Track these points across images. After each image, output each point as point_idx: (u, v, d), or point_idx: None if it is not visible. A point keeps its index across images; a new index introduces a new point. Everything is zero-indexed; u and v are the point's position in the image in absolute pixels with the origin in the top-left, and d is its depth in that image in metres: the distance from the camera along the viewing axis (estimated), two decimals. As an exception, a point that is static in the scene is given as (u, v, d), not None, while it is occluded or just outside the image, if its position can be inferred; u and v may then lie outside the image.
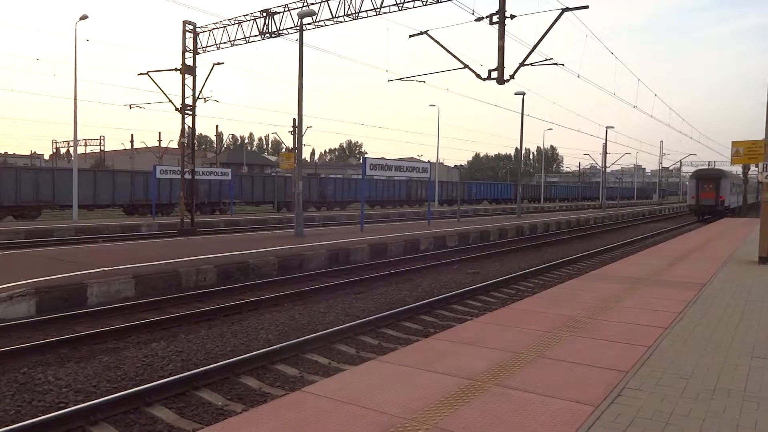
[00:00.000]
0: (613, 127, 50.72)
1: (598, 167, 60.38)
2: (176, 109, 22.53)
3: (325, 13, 19.43)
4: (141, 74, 23.00)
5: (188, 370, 6.33)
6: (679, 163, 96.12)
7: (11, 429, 4.68)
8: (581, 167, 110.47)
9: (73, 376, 6.30)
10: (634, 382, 4.73)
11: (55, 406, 5.48)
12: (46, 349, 7.14)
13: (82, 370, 6.53)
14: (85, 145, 68.08)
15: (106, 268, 11.13)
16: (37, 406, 5.51)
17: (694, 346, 5.86)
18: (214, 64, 22.65)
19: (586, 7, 16.92)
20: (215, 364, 6.41)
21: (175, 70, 22.38)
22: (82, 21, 28.67)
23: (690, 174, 45.54)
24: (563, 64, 20.61)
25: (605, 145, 51.58)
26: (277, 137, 65.25)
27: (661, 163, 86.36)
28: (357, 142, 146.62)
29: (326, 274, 13.44)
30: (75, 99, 28.28)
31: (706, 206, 37.59)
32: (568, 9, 17.19)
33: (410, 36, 19.64)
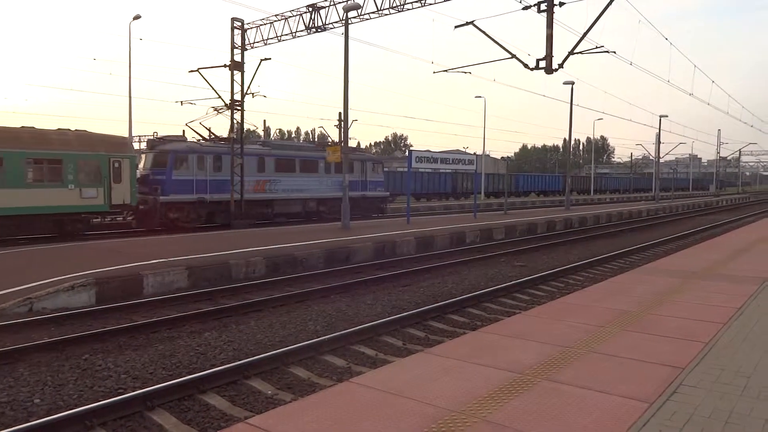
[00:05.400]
0: (667, 116, 49.03)
1: (651, 157, 58.52)
2: (225, 104, 23.01)
3: (370, 6, 19.47)
4: (191, 71, 23.58)
5: (239, 360, 6.49)
6: (738, 153, 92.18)
7: (75, 412, 4.91)
8: (633, 158, 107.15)
9: (131, 363, 6.55)
10: (691, 378, 4.57)
11: (114, 392, 5.71)
12: (106, 336, 7.45)
13: (139, 357, 6.78)
14: (139, 141, 70.49)
15: (161, 260, 11.51)
16: (97, 391, 5.76)
17: (755, 342, 5.62)
18: (262, 60, 23.03)
19: (639, -9, 16.35)
20: (265, 354, 6.55)
21: (224, 66, 22.87)
22: (135, 21, 29.61)
23: None
24: (614, 52, 20.04)
25: (659, 135, 49.91)
26: (323, 131, 65.88)
27: (718, 152, 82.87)
28: (402, 134, 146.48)
29: (372, 266, 13.51)
30: (130, 96, 29.32)
31: None
32: (619, -6, 16.66)
33: (456, 27, 19.45)
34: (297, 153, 26.08)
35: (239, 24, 22.83)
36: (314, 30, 21.22)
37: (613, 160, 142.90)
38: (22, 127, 18.25)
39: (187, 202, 21.77)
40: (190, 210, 21.94)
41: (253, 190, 23.81)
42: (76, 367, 6.42)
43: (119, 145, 20.14)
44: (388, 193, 31.93)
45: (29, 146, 17.64)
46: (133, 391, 5.57)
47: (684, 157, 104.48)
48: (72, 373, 6.23)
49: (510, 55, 18.45)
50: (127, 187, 19.71)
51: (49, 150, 18.06)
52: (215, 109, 24.26)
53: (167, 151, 21.73)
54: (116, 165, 19.44)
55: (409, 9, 19.07)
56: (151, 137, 23.35)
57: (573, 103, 34.02)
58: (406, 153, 28.83)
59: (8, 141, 17.28)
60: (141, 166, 21.82)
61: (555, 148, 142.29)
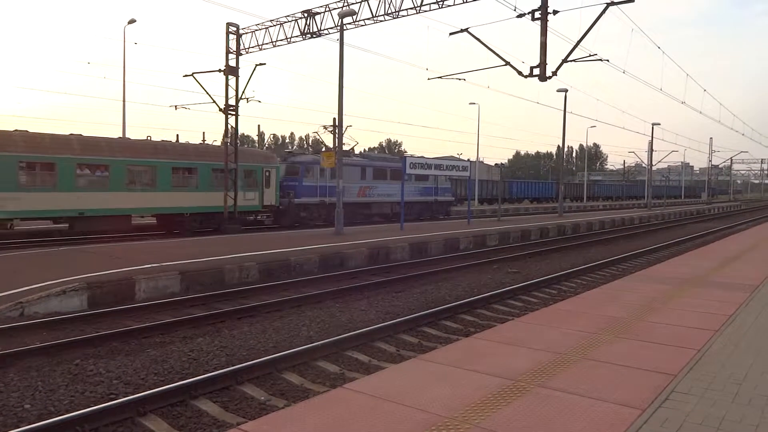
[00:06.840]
0: (659, 124, 49.36)
1: (644, 165, 58.78)
2: (220, 109, 22.99)
3: (365, 13, 19.55)
4: (186, 76, 23.59)
5: (232, 365, 6.46)
6: (729, 161, 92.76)
7: (65, 418, 4.87)
8: (626, 165, 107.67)
9: (122, 369, 6.51)
10: (683, 385, 4.59)
11: (105, 397, 5.67)
12: (98, 341, 7.41)
13: (131, 362, 6.74)
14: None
15: (154, 265, 11.46)
16: (89, 396, 5.72)
17: (746, 349, 5.65)
18: (257, 65, 23.05)
19: (632, 0, 16.50)
20: (258, 360, 6.52)
21: (219, 71, 22.85)
22: (130, 25, 29.57)
23: None
24: (608, 60, 20.17)
25: (651, 143, 50.24)
26: (317, 136, 65.81)
27: (710, 160, 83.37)
28: (397, 140, 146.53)
29: (366, 272, 13.50)
30: (124, 101, 29.23)
31: None
32: (613, 3, 16.81)
33: (451, 34, 19.55)
34: (387, 163, 31.12)
35: (234, 29, 22.84)
36: (309, 36, 21.27)
37: (606, 167, 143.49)
38: (203, 142, 23.03)
39: (313, 204, 26.27)
40: (314, 210, 26.36)
41: (357, 195, 28.08)
42: (67, 372, 6.37)
43: (269, 157, 25.90)
44: (453, 197, 36.65)
45: (213, 158, 22.74)
46: (125, 396, 5.53)
47: (676, 164, 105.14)
48: (63, 378, 6.19)
49: (504, 63, 18.55)
50: (273, 191, 24.92)
51: (223, 162, 22.57)
52: (325, 127, 28.44)
53: (299, 162, 26.41)
54: (267, 174, 24.59)
55: (404, 16, 19.16)
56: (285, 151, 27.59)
57: (566, 110, 34.23)
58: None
59: (200, 155, 22.62)
60: None
61: (548, 155, 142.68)
